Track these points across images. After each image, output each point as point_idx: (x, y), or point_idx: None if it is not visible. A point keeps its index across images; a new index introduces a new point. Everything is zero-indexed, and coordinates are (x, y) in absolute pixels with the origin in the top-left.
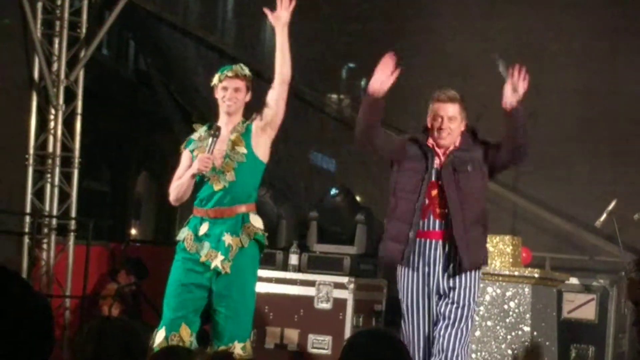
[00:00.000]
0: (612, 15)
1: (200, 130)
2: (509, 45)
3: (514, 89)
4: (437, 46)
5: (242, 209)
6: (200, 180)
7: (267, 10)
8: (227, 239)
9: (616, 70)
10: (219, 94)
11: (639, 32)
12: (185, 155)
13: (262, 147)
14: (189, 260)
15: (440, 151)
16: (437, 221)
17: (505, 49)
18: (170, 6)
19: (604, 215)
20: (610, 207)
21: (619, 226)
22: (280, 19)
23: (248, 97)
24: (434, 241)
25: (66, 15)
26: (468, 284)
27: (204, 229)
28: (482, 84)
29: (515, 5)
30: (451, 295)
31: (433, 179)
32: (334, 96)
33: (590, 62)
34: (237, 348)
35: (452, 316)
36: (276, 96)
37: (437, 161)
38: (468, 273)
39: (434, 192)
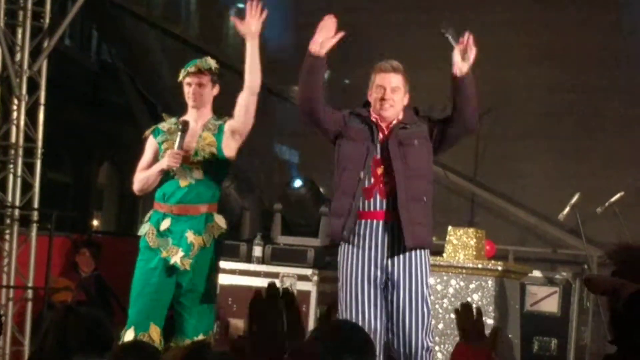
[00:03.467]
0: (578, 10)
1: (170, 122)
2: (475, 38)
3: (463, 56)
4: (400, 39)
5: (205, 208)
6: (165, 174)
7: (235, 19)
8: (190, 236)
9: (580, 65)
10: (185, 90)
11: (604, 27)
12: (151, 144)
13: (231, 150)
14: (152, 258)
15: (383, 125)
16: (384, 200)
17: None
18: None
19: (567, 209)
20: (574, 200)
21: (582, 219)
22: (250, 29)
23: (216, 90)
24: (381, 222)
25: (29, 5)
26: (418, 268)
27: (165, 224)
28: (446, 77)
29: None
30: (402, 282)
31: (378, 156)
32: (297, 88)
33: (555, 56)
34: None
35: (408, 305)
36: (245, 107)
37: (380, 136)
38: (416, 255)
39: (380, 170)
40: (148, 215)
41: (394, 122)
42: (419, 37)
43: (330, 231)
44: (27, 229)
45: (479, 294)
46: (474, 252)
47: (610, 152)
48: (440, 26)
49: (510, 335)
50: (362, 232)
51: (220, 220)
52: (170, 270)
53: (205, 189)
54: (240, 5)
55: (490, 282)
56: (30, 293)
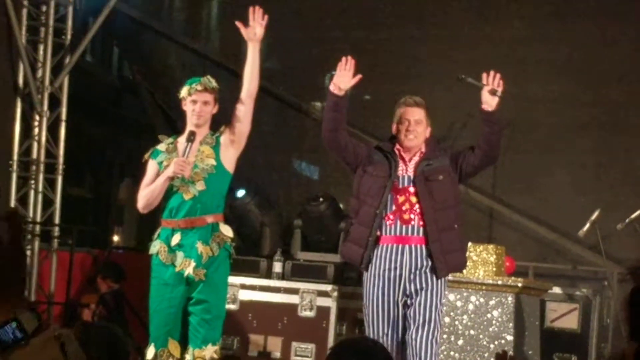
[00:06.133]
0: (596, 25)
1: (167, 142)
2: (492, 53)
3: (492, 93)
4: (419, 54)
5: (211, 218)
6: (168, 191)
7: (240, 25)
8: (200, 247)
9: (600, 80)
10: (187, 107)
11: (623, 41)
12: (151, 165)
13: (229, 159)
14: (165, 274)
15: (406, 157)
16: (404, 227)
17: (488, 57)
18: (155, 13)
19: (587, 225)
20: (594, 216)
21: (602, 236)
22: (255, 34)
23: (215, 110)
24: (400, 246)
25: (51, 21)
26: (435, 287)
27: (176, 239)
28: (466, 93)
29: (500, 14)
30: (418, 298)
31: (400, 185)
32: (318, 104)
33: (574, 71)
34: (211, 351)
35: (421, 319)
36: (244, 111)
37: (402, 167)
38: (435, 275)
39: (401, 199)
40: (157, 233)
41: (417, 156)
42: (438, 52)
43: (348, 256)
44: (48, 244)
45: (499, 310)
46: (494, 269)
47: (630, 168)
48: (457, 78)
49: (530, 352)
50: (383, 255)
51: (225, 230)
52: (184, 283)
53: (209, 200)
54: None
55: (510, 299)
56: (51, 309)
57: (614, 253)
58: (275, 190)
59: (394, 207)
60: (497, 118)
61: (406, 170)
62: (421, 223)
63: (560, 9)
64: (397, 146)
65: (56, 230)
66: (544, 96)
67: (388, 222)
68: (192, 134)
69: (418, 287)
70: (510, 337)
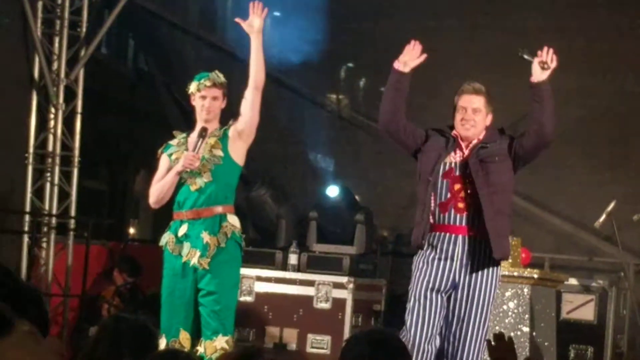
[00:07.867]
0: (613, 16)
1: (179, 137)
2: (508, 44)
3: (543, 66)
4: (436, 46)
5: (219, 209)
6: (178, 184)
7: (239, 20)
8: (205, 237)
9: (616, 71)
10: (197, 102)
11: (639, 31)
12: (163, 160)
13: (238, 152)
14: (174, 265)
15: (463, 144)
16: (459, 215)
17: (505, 49)
18: (170, 5)
19: (603, 216)
20: (610, 207)
21: (618, 227)
22: (254, 26)
23: (224, 104)
24: (453, 235)
25: (66, 14)
26: (487, 282)
27: (183, 230)
28: (483, 84)
29: (516, 5)
30: (469, 293)
31: (457, 173)
32: (333, 96)
33: (591, 62)
34: (222, 341)
35: (470, 316)
36: (251, 103)
37: (459, 154)
38: (488, 270)
39: (457, 186)
40: (169, 225)
41: (475, 142)
42: (453, 44)
43: (413, 241)
44: (64, 237)
45: (515, 301)
46: (510, 260)
47: None
48: (518, 50)
49: (546, 344)
50: (434, 243)
51: (233, 220)
52: (192, 274)
53: (217, 191)
54: (276, 14)
55: (526, 290)
56: (67, 301)
57: (630, 244)
58: (290, 182)
59: (449, 195)
60: (546, 93)
61: (463, 157)
62: (475, 214)
63: (577, 0)
64: (455, 132)
65: (72, 223)
66: (559, 87)
67: (442, 210)
68: (204, 130)
69: (471, 281)
70: (526, 329)
